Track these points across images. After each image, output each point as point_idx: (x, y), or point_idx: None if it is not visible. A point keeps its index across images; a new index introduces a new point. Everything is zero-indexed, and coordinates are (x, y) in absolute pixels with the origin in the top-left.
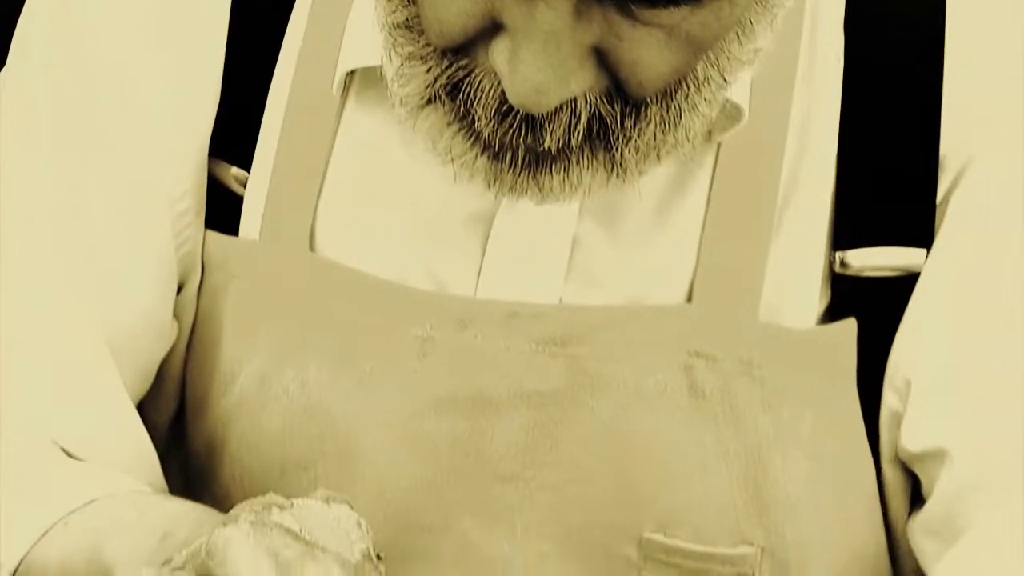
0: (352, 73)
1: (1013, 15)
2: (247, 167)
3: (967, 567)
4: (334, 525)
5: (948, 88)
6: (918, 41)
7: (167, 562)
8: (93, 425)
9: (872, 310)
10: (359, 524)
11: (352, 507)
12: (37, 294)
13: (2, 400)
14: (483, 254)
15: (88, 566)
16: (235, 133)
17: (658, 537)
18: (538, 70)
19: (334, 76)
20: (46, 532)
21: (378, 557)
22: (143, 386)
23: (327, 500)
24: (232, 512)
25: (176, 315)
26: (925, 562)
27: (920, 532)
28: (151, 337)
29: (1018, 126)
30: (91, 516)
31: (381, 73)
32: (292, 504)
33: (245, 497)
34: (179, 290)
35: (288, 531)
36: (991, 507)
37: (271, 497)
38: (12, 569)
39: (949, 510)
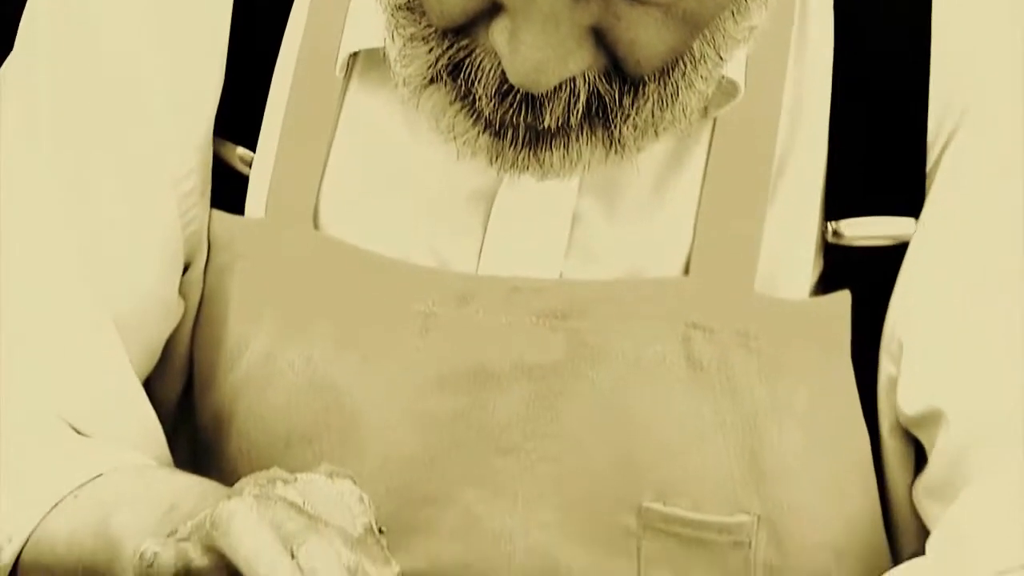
0: (355, 55)
1: None
2: (252, 147)
3: (964, 524)
4: (337, 499)
5: (936, 59)
6: (906, 14)
7: (172, 534)
8: (99, 402)
9: (866, 279)
10: (361, 499)
11: (355, 482)
12: (43, 273)
13: (10, 378)
14: (484, 231)
15: (96, 538)
16: (240, 114)
17: (657, 506)
18: (537, 50)
19: (337, 57)
20: (55, 506)
21: (380, 531)
22: (150, 363)
23: (330, 475)
24: (237, 486)
25: (183, 293)
26: (930, 525)
27: (923, 495)
28: (157, 315)
29: (1004, 93)
30: (98, 489)
31: (384, 54)
32: (296, 478)
33: (251, 471)
34: (185, 269)
35: (291, 505)
36: (988, 465)
37: (275, 471)
38: (22, 542)
39: (948, 471)
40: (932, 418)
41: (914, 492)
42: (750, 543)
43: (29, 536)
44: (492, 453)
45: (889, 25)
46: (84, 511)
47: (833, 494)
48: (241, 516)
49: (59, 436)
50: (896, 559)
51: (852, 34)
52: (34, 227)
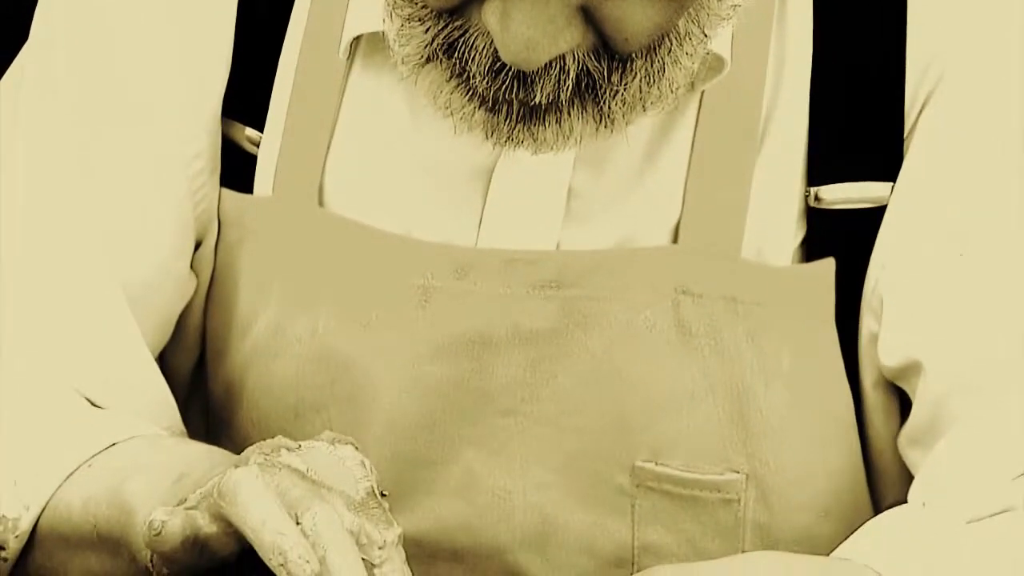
0: (358, 38)
1: None
2: (260, 128)
3: (941, 473)
4: (339, 465)
5: (912, 27)
6: None
7: (182, 502)
8: (113, 375)
9: (846, 240)
10: (363, 463)
11: (356, 447)
12: (57, 250)
13: (27, 351)
14: (484, 205)
15: (109, 506)
16: (248, 96)
17: (649, 465)
18: (528, 28)
19: (341, 41)
20: (70, 475)
21: (382, 495)
22: (162, 337)
23: (332, 442)
24: (243, 455)
25: (195, 270)
26: (914, 472)
27: (907, 444)
28: (169, 290)
29: (978, 59)
30: (112, 459)
31: (385, 37)
32: (299, 446)
33: (262, 439)
34: (197, 246)
35: (295, 471)
36: (965, 413)
37: (280, 440)
38: (39, 510)
39: (929, 419)
40: (912, 369)
41: (899, 442)
42: (739, 500)
43: (46, 504)
44: (491, 416)
45: (867, 2)
46: (98, 480)
47: (818, 451)
48: (247, 485)
49: (74, 408)
50: (879, 512)
51: (830, 5)
52: (50, 205)
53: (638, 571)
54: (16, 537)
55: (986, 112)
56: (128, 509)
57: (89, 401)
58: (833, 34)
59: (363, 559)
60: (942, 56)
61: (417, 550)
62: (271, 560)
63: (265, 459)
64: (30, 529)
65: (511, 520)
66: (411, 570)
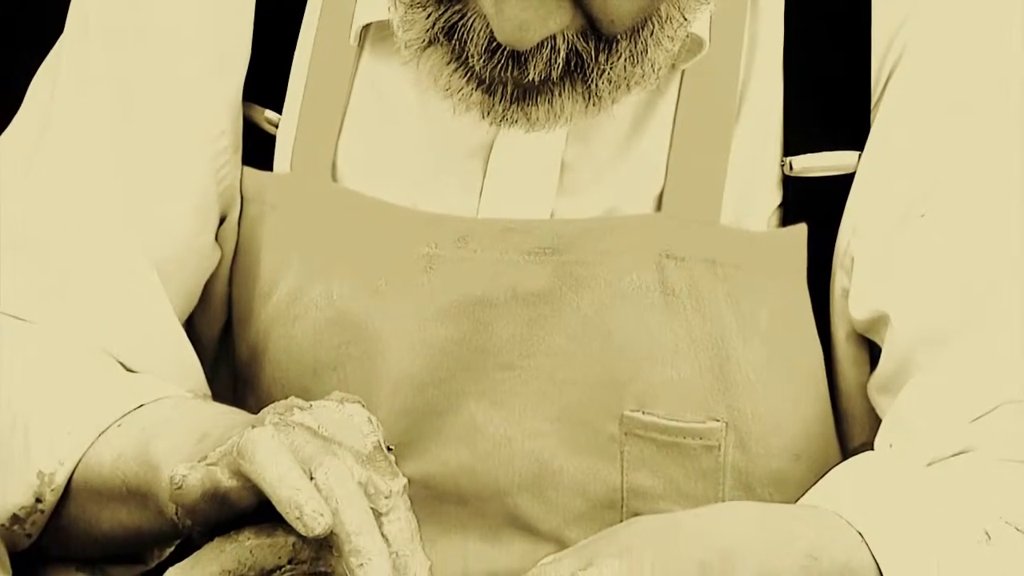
0: (367, 26)
1: None
2: (278, 110)
3: (905, 417)
4: (347, 422)
5: (876, 6)
6: None
7: (203, 459)
8: (143, 340)
9: (819, 205)
10: (370, 420)
11: (363, 405)
12: (92, 221)
13: (62, 315)
14: (483, 179)
15: (137, 463)
16: (267, 80)
17: (636, 415)
18: (520, 10)
19: (351, 29)
20: (103, 432)
21: (388, 449)
22: (188, 305)
23: (341, 401)
24: (259, 415)
25: (220, 241)
26: (882, 416)
27: (876, 391)
28: (193, 261)
29: (936, 33)
30: (141, 418)
31: (391, 24)
32: (311, 406)
33: (284, 396)
34: (222, 221)
35: (308, 429)
36: (929, 360)
37: (293, 400)
38: (73, 466)
39: (896, 368)
40: (880, 321)
41: (868, 389)
42: (719, 446)
43: (79, 460)
44: (492, 370)
45: None
46: (127, 438)
47: (791, 401)
48: (264, 444)
49: (106, 370)
50: (847, 453)
51: None
52: (83, 180)
53: (627, 512)
54: (52, 490)
55: (944, 84)
56: (154, 465)
57: (120, 363)
58: (803, 14)
59: (371, 508)
60: (903, 33)
61: (426, 492)
62: (288, 514)
63: (280, 418)
64: (65, 483)
65: (511, 465)
66: (419, 512)
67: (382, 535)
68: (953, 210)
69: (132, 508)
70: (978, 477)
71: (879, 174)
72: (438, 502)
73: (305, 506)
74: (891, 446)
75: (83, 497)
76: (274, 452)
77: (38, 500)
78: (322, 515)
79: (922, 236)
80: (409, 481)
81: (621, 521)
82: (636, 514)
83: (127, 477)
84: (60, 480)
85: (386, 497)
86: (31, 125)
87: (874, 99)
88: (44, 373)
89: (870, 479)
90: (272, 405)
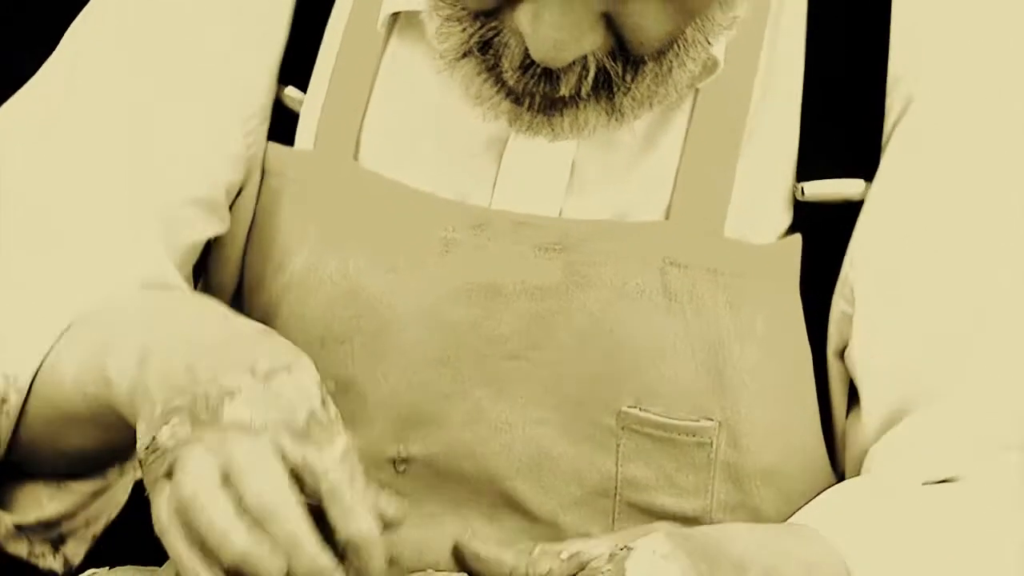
0: (396, 15)
1: None
2: (303, 88)
3: (899, 444)
4: (276, 401)
5: (893, 49)
6: (870, 11)
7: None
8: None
9: (828, 230)
10: (302, 387)
11: (290, 371)
12: (96, 172)
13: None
14: (498, 172)
15: (95, 382)
16: (296, 59)
17: (634, 410)
18: (557, 30)
19: (379, 15)
20: (61, 334)
21: (324, 404)
22: (190, 259)
23: (266, 377)
24: (191, 398)
25: (237, 213)
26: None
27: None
28: (202, 217)
29: (949, 75)
30: (93, 330)
31: (422, 21)
32: (240, 388)
33: None
34: (238, 192)
35: (238, 426)
36: (923, 398)
37: (224, 385)
38: (35, 369)
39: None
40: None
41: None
42: (712, 443)
43: (40, 363)
44: (499, 358)
45: (853, 20)
46: (83, 352)
47: (782, 403)
48: (168, 519)
49: (65, 265)
50: (834, 460)
51: (822, 27)
52: (103, 122)
53: (620, 499)
54: (16, 390)
55: (951, 130)
56: (108, 381)
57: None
58: (823, 44)
59: (310, 504)
60: (916, 78)
61: (428, 471)
62: None
63: (210, 416)
64: (28, 385)
65: (511, 450)
66: (421, 489)
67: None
68: (949, 256)
69: (96, 424)
70: (957, 507)
71: (882, 212)
72: (440, 480)
73: None
74: (869, 471)
75: (47, 410)
76: (176, 535)
77: (3, 400)
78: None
79: (919, 282)
80: (408, 461)
81: (614, 508)
82: (629, 502)
83: (87, 393)
84: (23, 383)
85: (325, 474)
86: (58, 75)
87: (886, 132)
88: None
89: (855, 503)
90: (203, 390)
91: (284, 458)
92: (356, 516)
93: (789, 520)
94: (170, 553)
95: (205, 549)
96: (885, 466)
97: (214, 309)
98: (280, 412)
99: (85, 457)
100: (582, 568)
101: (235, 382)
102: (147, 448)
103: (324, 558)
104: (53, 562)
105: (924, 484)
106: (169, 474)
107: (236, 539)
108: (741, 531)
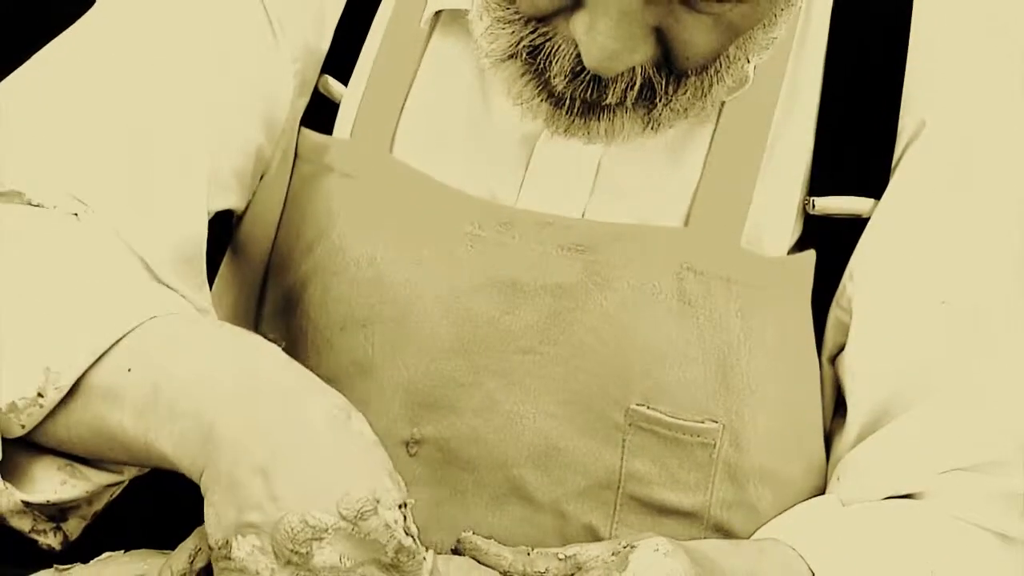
0: (439, 13)
1: (971, 5)
2: (345, 80)
3: (868, 456)
4: (363, 542)
5: (909, 74)
6: (888, 31)
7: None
8: (170, 250)
9: (835, 244)
10: (387, 526)
11: (376, 511)
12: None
13: (110, 206)
14: (526, 171)
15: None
16: (341, 54)
17: (642, 409)
18: (611, 40)
19: (423, 13)
20: (117, 342)
21: (402, 506)
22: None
23: (354, 520)
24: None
25: (266, 195)
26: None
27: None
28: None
29: (963, 102)
30: (149, 337)
31: (468, 20)
32: (328, 530)
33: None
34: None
35: (330, 569)
36: (898, 410)
37: (316, 523)
38: (80, 372)
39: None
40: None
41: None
42: (715, 444)
43: (89, 367)
44: (513, 352)
45: (872, 42)
46: (138, 391)
47: (785, 410)
48: None
49: (128, 275)
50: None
51: (841, 48)
52: (159, 65)
53: (623, 492)
54: (56, 389)
55: (957, 159)
56: (166, 452)
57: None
58: (841, 68)
59: None
60: (928, 105)
61: (438, 454)
62: None
63: (295, 557)
64: (70, 385)
65: (520, 440)
66: (429, 474)
67: None
68: (941, 278)
69: (143, 458)
70: (928, 531)
71: (884, 230)
72: (446, 465)
73: None
74: (839, 479)
75: (94, 396)
76: None
77: (40, 395)
78: None
79: (908, 300)
80: (420, 443)
81: (616, 500)
82: (631, 495)
83: (147, 440)
84: (65, 382)
85: None
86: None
87: (897, 154)
88: (69, 268)
89: (824, 518)
90: (287, 524)
91: None
92: None
93: (760, 530)
94: None
95: None
96: (851, 477)
97: (273, 357)
98: (370, 552)
99: (116, 446)
100: (579, 568)
101: (323, 523)
102: (220, 548)
103: None
104: (53, 539)
105: (885, 498)
106: None
107: None
108: (725, 545)
